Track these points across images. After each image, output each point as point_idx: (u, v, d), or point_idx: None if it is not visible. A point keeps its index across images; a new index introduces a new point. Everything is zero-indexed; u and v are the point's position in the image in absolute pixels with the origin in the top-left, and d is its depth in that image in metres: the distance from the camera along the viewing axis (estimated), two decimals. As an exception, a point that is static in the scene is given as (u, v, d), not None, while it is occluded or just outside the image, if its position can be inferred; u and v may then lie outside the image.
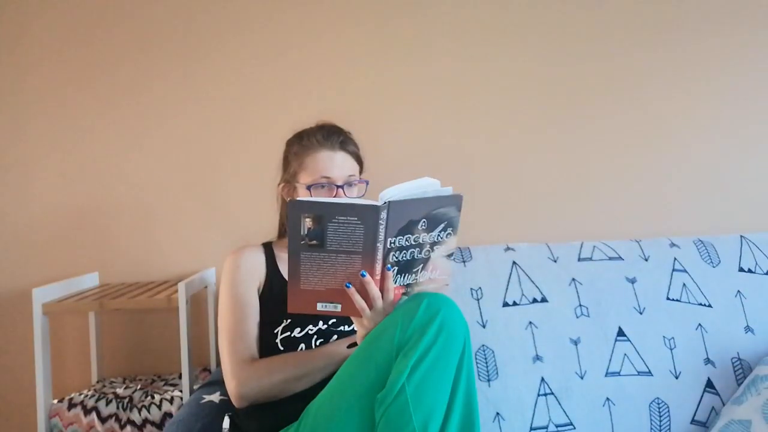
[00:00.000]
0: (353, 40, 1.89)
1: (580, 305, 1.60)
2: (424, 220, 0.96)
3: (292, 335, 1.23)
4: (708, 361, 1.55)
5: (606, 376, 1.52)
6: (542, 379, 1.52)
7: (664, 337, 1.57)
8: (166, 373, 1.89)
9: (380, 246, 0.94)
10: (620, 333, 1.57)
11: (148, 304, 1.61)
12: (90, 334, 1.89)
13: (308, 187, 1.27)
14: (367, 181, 1.35)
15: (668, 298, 1.62)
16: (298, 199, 0.92)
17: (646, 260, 1.68)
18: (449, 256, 1.03)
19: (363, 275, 0.96)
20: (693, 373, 1.53)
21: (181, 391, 1.65)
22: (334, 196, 1.25)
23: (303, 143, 1.29)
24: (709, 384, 1.52)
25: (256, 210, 1.84)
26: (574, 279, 1.64)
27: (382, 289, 0.99)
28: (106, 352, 1.94)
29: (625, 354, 1.54)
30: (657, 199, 1.93)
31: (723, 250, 1.71)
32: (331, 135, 1.29)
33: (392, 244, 0.94)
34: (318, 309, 0.98)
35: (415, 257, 0.99)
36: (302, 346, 1.22)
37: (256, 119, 1.91)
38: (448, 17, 1.90)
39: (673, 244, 1.73)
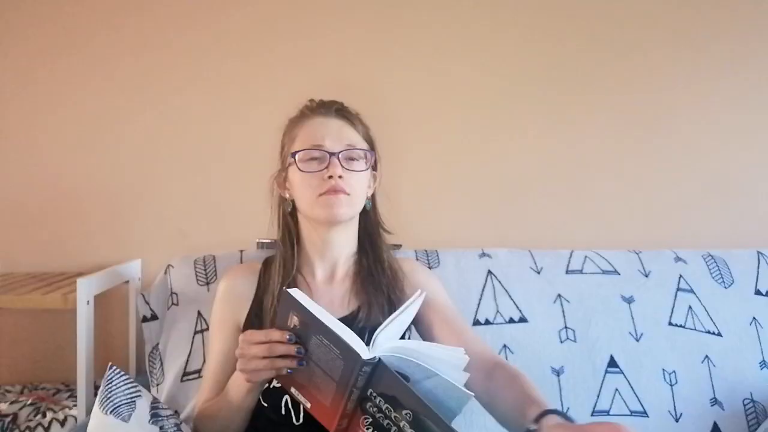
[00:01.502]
0: (344, 32, 1.76)
1: (566, 327, 1.45)
2: (410, 412, 0.80)
3: (272, 386, 1.06)
4: (715, 401, 1.40)
5: (592, 414, 1.37)
6: None
7: (663, 370, 1.42)
8: (74, 381, 1.64)
9: (355, 391, 0.83)
10: (612, 363, 1.41)
11: (41, 303, 1.38)
12: (-17, 332, 1.64)
13: (294, 154, 1.11)
14: (375, 154, 1.18)
15: (670, 323, 1.47)
16: (288, 291, 0.83)
17: (647, 276, 1.53)
18: None
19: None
20: (697, 415, 1.39)
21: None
22: (327, 167, 1.09)
23: (294, 117, 1.20)
24: (716, 429, 1.38)
25: (189, 196, 1.73)
26: (560, 295, 1.49)
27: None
28: (4, 354, 1.72)
29: (617, 389, 1.39)
30: (661, 204, 1.78)
31: (737, 267, 1.57)
32: (327, 103, 1.19)
33: (372, 396, 0.83)
34: (291, 391, 0.91)
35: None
36: (286, 398, 1.06)
37: (194, 103, 1.75)
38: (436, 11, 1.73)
39: (678, 258, 1.58)
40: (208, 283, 1.45)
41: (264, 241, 1.47)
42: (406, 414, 0.81)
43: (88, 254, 1.72)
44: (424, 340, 1.12)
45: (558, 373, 1.38)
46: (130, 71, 1.72)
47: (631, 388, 1.38)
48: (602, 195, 1.77)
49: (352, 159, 1.12)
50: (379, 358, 0.80)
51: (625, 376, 1.38)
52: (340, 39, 1.74)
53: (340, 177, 1.08)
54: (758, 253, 1.58)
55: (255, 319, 1.14)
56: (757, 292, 1.51)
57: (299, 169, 1.10)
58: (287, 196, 1.17)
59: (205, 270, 1.48)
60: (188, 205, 1.73)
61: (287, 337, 0.85)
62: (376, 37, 1.75)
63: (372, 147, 1.19)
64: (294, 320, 0.84)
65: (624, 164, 1.77)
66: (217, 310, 1.20)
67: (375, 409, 0.84)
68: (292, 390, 0.90)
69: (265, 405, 1.05)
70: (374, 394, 0.83)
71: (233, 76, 1.73)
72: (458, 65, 1.75)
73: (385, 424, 0.84)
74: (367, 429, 0.85)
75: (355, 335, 0.82)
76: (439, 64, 1.75)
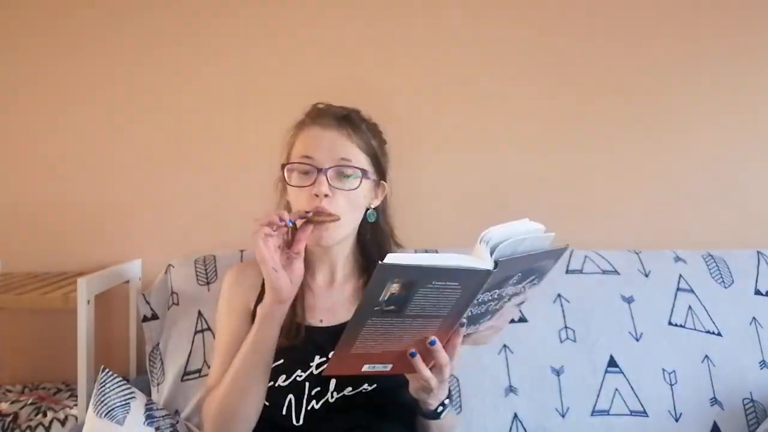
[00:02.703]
0: (345, 33, 1.74)
1: (566, 327, 1.43)
2: (519, 274, 0.86)
3: (277, 384, 1.04)
4: (715, 401, 1.39)
5: (592, 415, 1.35)
6: (515, 416, 1.34)
7: (663, 369, 1.40)
8: (75, 381, 1.63)
9: (469, 309, 0.85)
10: (612, 363, 1.40)
11: (42, 302, 1.37)
12: (-17, 332, 1.63)
13: (283, 166, 1.08)
14: (365, 171, 1.08)
15: (670, 323, 1.45)
16: (389, 262, 0.74)
17: (647, 276, 1.52)
18: (520, 303, 0.95)
19: (432, 343, 0.86)
20: (697, 415, 1.37)
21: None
22: (312, 185, 1.03)
23: (299, 122, 1.14)
24: (716, 429, 1.37)
25: (189, 196, 1.71)
26: (559, 295, 1.47)
27: (446, 347, 0.89)
28: (6, 353, 1.71)
29: (617, 389, 1.37)
30: (661, 204, 1.76)
31: (737, 267, 1.55)
32: (330, 110, 1.11)
33: (477, 301, 0.85)
34: (363, 370, 0.88)
35: (489, 309, 0.90)
36: (291, 397, 1.04)
37: (187, 101, 1.73)
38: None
39: (678, 258, 1.56)
40: (208, 283, 1.44)
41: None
42: (514, 279, 0.86)
43: (88, 254, 1.71)
44: None
45: (558, 372, 1.37)
46: (131, 72, 1.71)
47: (631, 387, 1.36)
48: (602, 195, 1.75)
49: (343, 175, 1.05)
50: (499, 262, 0.79)
51: (625, 376, 1.37)
52: (340, 40, 1.72)
53: (326, 196, 1.02)
54: (758, 253, 1.57)
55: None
56: (757, 292, 1.49)
57: (288, 183, 1.07)
58: (287, 200, 1.14)
59: (206, 270, 1.47)
60: (188, 204, 1.71)
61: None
62: (377, 39, 1.73)
63: (376, 159, 1.13)
64: (392, 288, 0.78)
65: (623, 165, 1.75)
66: (226, 295, 1.17)
67: (473, 307, 0.85)
68: (365, 368, 0.88)
69: (267, 404, 1.04)
70: (478, 299, 0.84)
71: (233, 77, 1.71)
72: (457, 64, 1.73)
73: (483, 309, 0.88)
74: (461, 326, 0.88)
75: (465, 255, 0.79)
76: (436, 68, 1.73)
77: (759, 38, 1.75)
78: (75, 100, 1.71)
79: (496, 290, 0.85)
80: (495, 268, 0.78)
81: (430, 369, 0.89)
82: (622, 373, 1.38)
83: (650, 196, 1.76)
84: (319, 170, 1.03)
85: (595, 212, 1.74)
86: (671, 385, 1.38)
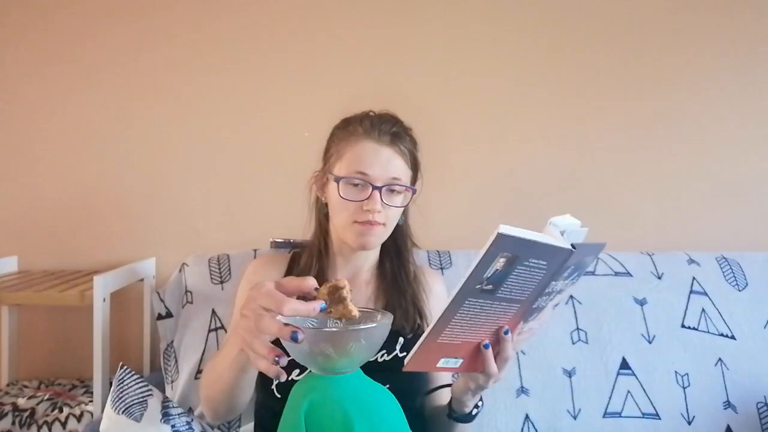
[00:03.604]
0: (357, 36, 1.75)
1: (578, 329, 1.42)
2: (573, 266, 0.86)
3: (290, 378, 1.03)
4: (728, 404, 1.37)
5: (604, 416, 1.34)
6: (527, 417, 1.33)
7: (676, 372, 1.39)
8: (90, 377, 1.64)
9: (545, 295, 0.86)
10: (624, 365, 1.39)
11: (59, 299, 1.38)
12: (1, 328, 1.65)
13: (337, 180, 1.08)
14: (415, 189, 1.14)
15: (683, 326, 1.44)
16: (508, 233, 0.73)
17: (660, 278, 1.50)
18: (556, 305, 0.94)
19: (506, 333, 0.88)
20: (710, 418, 1.36)
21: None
22: (367, 200, 1.06)
23: (348, 129, 1.12)
24: None
25: (203, 195, 1.73)
26: (571, 296, 1.46)
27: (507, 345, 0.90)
28: (23, 350, 1.72)
29: (629, 391, 1.36)
30: (674, 205, 1.75)
31: (751, 270, 1.53)
32: (382, 123, 1.11)
33: (547, 290, 0.86)
34: (438, 366, 0.88)
35: (539, 305, 0.90)
36: None
37: (210, 104, 1.74)
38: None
39: (691, 261, 1.55)
40: (222, 282, 1.45)
41: (278, 240, 1.47)
42: (567, 272, 0.85)
43: (103, 252, 1.72)
44: None
45: (570, 374, 1.36)
46: (144, 69, 1.72)
47: (644, 390, 1.35)
48: (614, 197, 1.74)
49: (393, 192, 1.09)
50: (576, 246, 0.81)
51: (637, 379, 1.36)
52: (358, 43, 1.73)
53: (378, 211, 1.06)
54: (773, 255, 1.55)
55: None
56: (772, 295, 1.48)
57: (339, 194, 1.08)
58: (324, 199, 1.15)
59: (219, 269, 1.48)
60: (202, 203, 1.72)
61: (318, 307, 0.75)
62: (393, 42, 1.74)
63: (416, 171, 1.16)
64: (499, 263, 0.77)
65: (636, 166, 1.75)
66: (248, 280, 1.18)
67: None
68: (440, 363, 0.87)
69: (279, 396, 1.04)
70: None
71: (247, 75, 1.72)
72: (467, 70, 1.74)
73: (536, 304, 0.88)
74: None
75: (550, 237, 0.79)
76: (451, 70, 1.73)
77: (764, 40, 1.74)
78: (88, 101, 1.72)
79: (554, 282, 0.85)
80: (574, 248, 0.79)
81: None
82: (635, 375, 1.37)
83: (664, 198, 1.75)
84: (375, 187, 1.06)
85: (607, 213, 1.74)
86: (684, 388, 1.37)
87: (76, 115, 1.73)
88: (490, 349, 0.88)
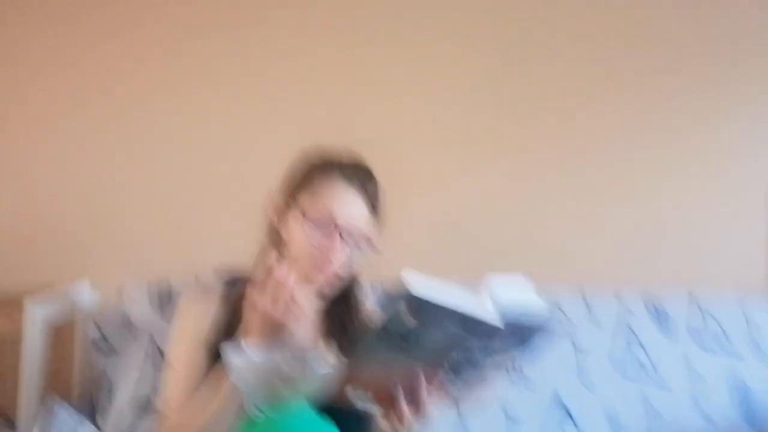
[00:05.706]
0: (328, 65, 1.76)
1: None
2: (510, 338, 0.83)
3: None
4: None
5: None
6: None
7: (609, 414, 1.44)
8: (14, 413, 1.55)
9: (456, 352, 0.83)
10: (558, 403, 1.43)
11: None
12: None
13: (305, 215, 1.05)
14: (374, 245, 1.10)
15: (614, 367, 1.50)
16: (418, 295, 0.72)
17: (592, 318, 1.55)
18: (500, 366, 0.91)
19: (418, 378, 0.87)
20: None
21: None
22: (331, 244, 1.04)
23: (324, 165, 1.11)
24: None
25: (147, 213, 1.69)
26: None
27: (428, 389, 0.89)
28: None
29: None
30: (603, 241, 1.80)
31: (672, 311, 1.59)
32: (356, 168, 1.11)
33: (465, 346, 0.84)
34: (346, 392, 0.86)
35: (472, 359, 0.86)
36: None
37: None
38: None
39: (621, 301, 1.60)
40: (161, 308, 1.42)
41: (223, 274, 1.42)
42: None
43: (31, 273, 1.65)
44: None
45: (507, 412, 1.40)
46: (78, 86, 1.70)
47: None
48: (547, 230, 1.79)
49: (357, 245, 1.07)
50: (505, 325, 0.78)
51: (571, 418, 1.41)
52: (322, 78, 1.75)
53: (341, 262, 1.05)
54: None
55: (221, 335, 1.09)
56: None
57: (303, 231, 1.06)
58: (278, 227, 1.11)
59: (159, 295, 1.45)
60: (140, 224, 1.68)
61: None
62: (357, 75, 1.76)
63: (378, 219, 1.13)
64: (401, 313, 0.75)
65: (565, 202, 1.79)
66: (181, 319, 1.13)
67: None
68: (347, 390, 0.86)
69: None
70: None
71: (191, 98, 1.72)
72: (426, 97, 1.78)
73: (466, 357, 0.85)
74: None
75: (474, 298, 0.76)
76: (411, 97, 1.77)
77: (689, 78, 1.81)
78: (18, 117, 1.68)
79: (485, 340, 0.82)
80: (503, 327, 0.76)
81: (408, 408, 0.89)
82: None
83: (592, 233, 1.80)
84: (342, 237, 1.05)
85: (539, 247, 1.77)
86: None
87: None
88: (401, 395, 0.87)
